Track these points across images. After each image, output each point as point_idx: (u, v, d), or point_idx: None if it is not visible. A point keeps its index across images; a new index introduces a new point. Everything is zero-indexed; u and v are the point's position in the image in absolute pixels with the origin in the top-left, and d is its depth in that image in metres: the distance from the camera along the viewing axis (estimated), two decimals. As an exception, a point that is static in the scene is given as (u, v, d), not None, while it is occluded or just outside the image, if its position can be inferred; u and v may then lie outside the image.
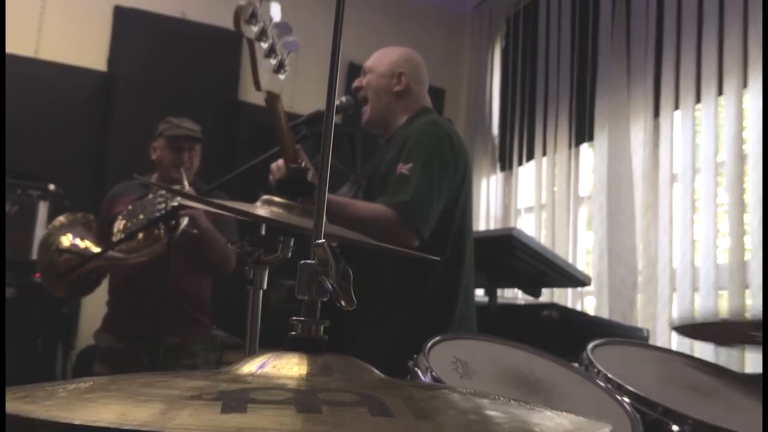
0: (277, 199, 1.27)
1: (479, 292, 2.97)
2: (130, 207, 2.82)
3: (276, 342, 0.73)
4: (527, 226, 4.72)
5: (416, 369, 1.22)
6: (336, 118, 0.91)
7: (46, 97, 4.41)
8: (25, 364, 3.54)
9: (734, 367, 2.54)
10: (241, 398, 0.52)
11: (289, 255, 1.29)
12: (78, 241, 2.81)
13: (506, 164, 5.09)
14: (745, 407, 1.36)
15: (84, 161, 4.45)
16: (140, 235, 2.70)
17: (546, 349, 1.43)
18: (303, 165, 1.33)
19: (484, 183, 5.16)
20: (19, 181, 3.77)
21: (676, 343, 3.37)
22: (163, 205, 2.67)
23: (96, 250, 2.77)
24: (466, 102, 5.58)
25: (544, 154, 4.64)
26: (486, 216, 5.12)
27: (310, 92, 3.72)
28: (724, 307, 3.21)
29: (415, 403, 0.55)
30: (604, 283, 3.83)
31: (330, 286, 0.67)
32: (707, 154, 3.37)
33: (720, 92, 3.37)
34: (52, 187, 3.87)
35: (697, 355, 1.72)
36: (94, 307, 3.26)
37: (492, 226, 5.01)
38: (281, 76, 1.55)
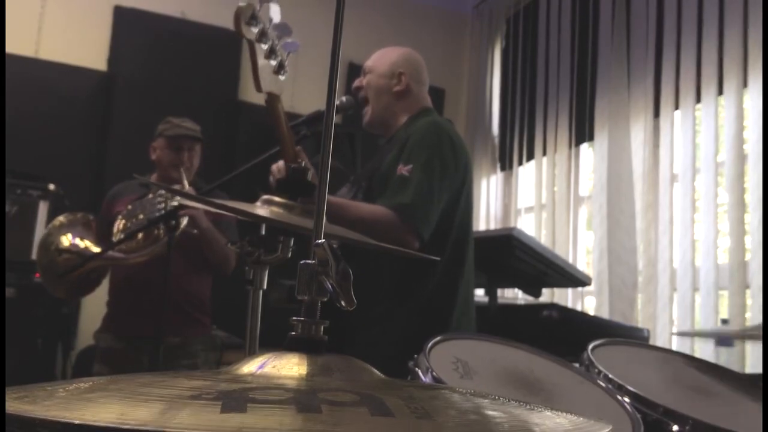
0: (277, 199, 1.27)
1: (479, 292, 2.97)
2: (129, 207, 2.82)
3: (276, 342, 0.73)
4: (527, 226, 4.72)
5: (416, 369, 1.22)
6: (336, 118, 0.91)
7: (46, 97, 4.41)
8: (25, 364, 3.54)
9: (734, 367, 2.54)
10: (241, 398, 0.52)
11: (289, 255, 1.29)
12: (78, 241, 2.81)
13: (506, 164, 5.09)
14: (745, 407, 1.36)
15: (84, 161, 4.45)
16: (140, 235, 2.70)
17: (546, 349, 1.43)
18: (303, 165, 1.33)
19: (484, 183, 5.16)
20: (19, 181, 3.77)
21: (677, 343, 3.37)
22: (163, 205, 2.67)
23: (96, 250, 2.78)
24: (466, 102, 5.58)
25: (544, 154, 4.64)
26: (486, 216, 5.12)
27: (310, 92, 3.72)
28: (724, 307, 3.21)
29: (415, 403, 0.55)
30: (604, 283, 3.83)
31: (330, 287, 0.67)
32: (707, 154, 3.37)
33: (720, 92, 3.37)
34: (52, 187, 3.87)
35: (697, 355, 1.72)
36: (94, 307, 3.26)
37: (492, 226, 5.01)
38: (281, 77, 1.56)
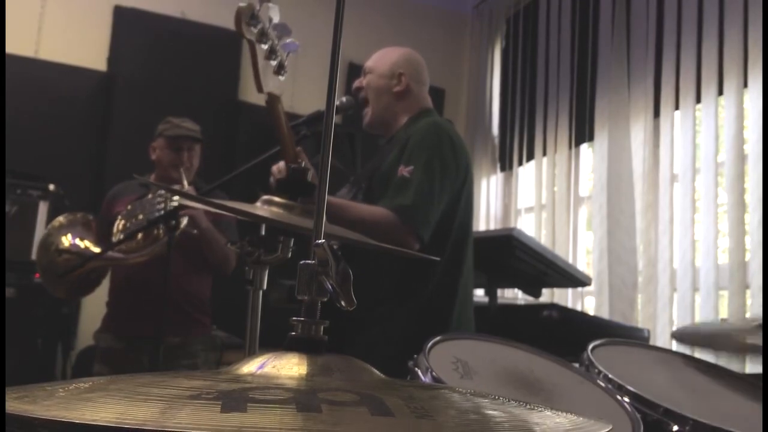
0: (277, 199, 1.27)
1: (479, 292, 2.97)
2: (129, 207, 2.82)
3: (276, 342, 0.73)
4: (527, 226, 4.72)
5: (416, 369, 1.22)
6: (336, 119, 0.91)
7: (46, 97, 4.41)
8: (25, 364, 3.54)
9: (734, 367, 2.54)
10: (241, 398, 0.52)
11: (289, 255, 1.29)
12: (78, 242, 2.81)
13: (506, 164, 5.09)
14: (745, 407, 1.36)
15: (84, 161, 4.45)
16: (140, 235, 2.70)
17: (546, 349, 1.43)
18: (303, 165, 1.33)
19: (484, 183, 5.16)
20: (19, 181, 3.77)
21: (677, 343, 3.37)
22: (163, 205, 2.67)
23: (96, 250, 2.78)
24: (466, 102, 5.58)
25: (544, 154, 4.64)
26: (486, 216, 5.12)
27: (310, 92, 3.73)
28: (724, 307, 3.21)
29: (415, 403, 0.55)
30: (604, 283, 3.83)
31: (330, 287, 0.67)
32: (707, 154, 3.37)
33: (720, 92, 3.37)
34: (52, 187, 3.87)
35: (697, 355, 1.72)
36: (94, 307, 3.26)
37: (492, 226, 5.01)
38: (281, 78, 1.56)
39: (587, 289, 3.70)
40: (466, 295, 2.19)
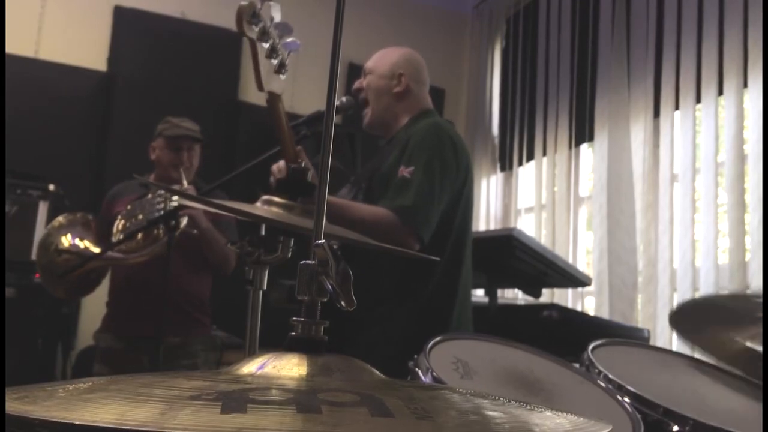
0: (277, 199, 1.27)
1: (479, 293, 2.97)
2: (129, 207, 2.82)
3: (276, 342, 0.73)
4: (527, 226, 4.72)
5: (417, 369, 1.22)
6: (336, 119, 0.91)
7: (46, 97, 4.41)
8: (25, 364, 3.54)
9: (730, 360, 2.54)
10: (241, 398, 0.52)
11: (289, 255, 1.29)
12: (77, 242, 2.81)
13: (506, 164, 5.09)
14: (745, 408, 1.36)
15: (84, 161, 4.44)
16: (140, 235, 2.70)
17: (546, 350, 1.43)
18: (303, 165, 1.33)
19: (484, 183, 5.16)
20: (19, 181, 3.77)
21: (677, 343, 3.37)
22: (163, 205, 2.67)
23: (95, 250, 2.78)
24: (466, 102, 5.58)
25: (544, 154, 4.64)
26: (486, 216, 5.12)
27: (310, 92, 3.73)
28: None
29: (415, 404, 0.55)
30: (604, 283, 3.83)
31: (330, 287, 0.67)
32: (707, 154, 3.37)
33: (720, 92, 3.36)
34: (52, 187, 3.87)
35: (697, 355, 1.72)
36: (94, 307, 3.26)
37: (492, 226, 5.01)
38: (282, 77, 1.56)
39: (587, 289, 3.70)
40: (465, 295, 2.19)
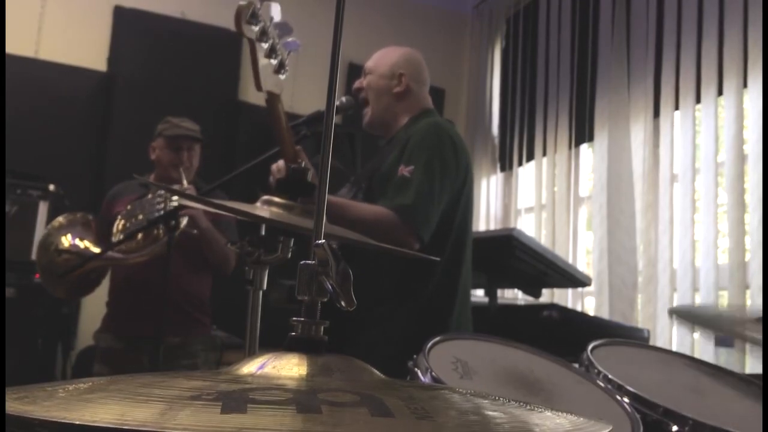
0: (277, 199, 1.27)
1: (479, 293, 2.97)
2: (129, 207, 2.82)
3: (276, 342, 0.73)
4: (527, 226, 4.72)
5: (416, 369, 1.22)
6: (336, 119, 0.91)
7: (46, 97, 4.41)
8: (25, 364, 3.54)
9: (734, 367, 2.54)
10: (241, 399, 0.52)
11: (289, 255, 1.29)
12: (77, 242, 2.81)
13: (506, 164, 5.09)
14: (745, 407, 1.36)
15: (84, 161, 4.45)
16: (140, 235, 2.70)
17: (546, 350, 1.43)
18: (303, 165, 1.33)
19: (484, 183, 5.16)
20: (19, 181, 3.77)
21: (677, 343, 3.37)
22: (163, 205, 2.67)
23: (95, 250, 2.78)
24: (466, 102, 5.58)
25: (544, 154, 4.64)
26: (486, 216, 5.12)
27: (310, 92, 3.72)
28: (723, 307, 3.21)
29: (415, 404, 0.55)
30: (604, 283, 3.83)
31: (330, 287, 0.67)
32: (707, 154, 3.37)
33: (720, 92, 3.36)
34: (52, 187, 3.87)
35: (697, 355, 1.72)
36: (94, 307, 3.26)
37: (492, 226, 5.01)
38: (281, 77, 1.56)
39: (587, 289, 3.70)
40: (465, 295, 2.19)
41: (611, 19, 4.13)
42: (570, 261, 3.95)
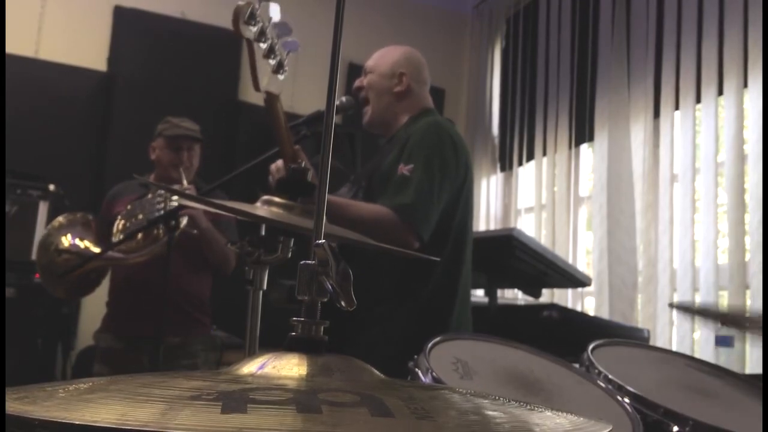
0: (277, 199, 1.27)
1: (479, 293, 2.97)
2: (129, 207, 2.82)
3: (276, 342, 0.73)
4: (527, 226, 4.72)
5: (416, 369, 1.22)
6: (336, 118, 0.91)
7: (46, 97, 4.41)
8: (25, 364, 3.54)
9: (734, 367, 2.55)
10: (241, 399, 0.52)
11: (289, 255, 1.29)
12: (77, 242, 2.81)
13: (506, 164, 5.09)
14: (745, 407, 1.36)
15: (84, 161, 4.45)
16: (140, 235, 2.70)
17: (546, 350, 1.43)
18: (303, 165, 1.33)
19: (484, 183, 5.16)
20: (19, 181, 3.77)
21: (677, 343, 3.37)
22: (162, 205, 2.67)
23: (95, 250, 2.78)
24: (466, 102, 5.58)
25: (544, 154, 4.64)
26: (486, 216, 5.12)
27: (310, 92, 3.72)
28: (724, 307, 3.21)
29: (415, 404, 0.55)
30: (604, 283, 3.83)
31: (330, 287, 0.67)
32: (707, 154, 3.37)
33: (720, 92, 3.36)
34: (52, 187, 3.87)
35: (697, 355, 1.72)
36: (94, 307, 3.26)
37: (492, 226, 5.01)
38: (280, 77, 1.56)
39: (587, 289, 3.70)
40: (465, 295, 2.19)
41: (611, 19, 4.13)
42: (570, 261, 3.95)
